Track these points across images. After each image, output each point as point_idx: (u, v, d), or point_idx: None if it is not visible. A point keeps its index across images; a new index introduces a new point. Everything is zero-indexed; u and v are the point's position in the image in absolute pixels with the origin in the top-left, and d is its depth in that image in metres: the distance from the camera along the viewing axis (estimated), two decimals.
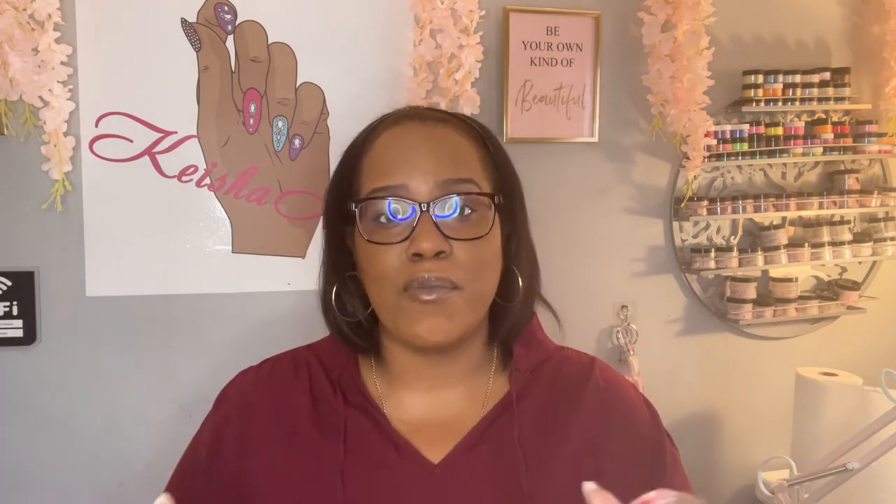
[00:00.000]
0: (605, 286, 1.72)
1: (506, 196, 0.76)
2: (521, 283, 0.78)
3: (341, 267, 0.78)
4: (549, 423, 0.76)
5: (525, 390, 0.78)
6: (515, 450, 0.73)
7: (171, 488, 0.82)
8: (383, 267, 0.70)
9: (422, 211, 0.69)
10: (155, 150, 1.41)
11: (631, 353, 1.70)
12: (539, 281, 0.82)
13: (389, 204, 0.70)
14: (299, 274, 1.49)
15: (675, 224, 1.75)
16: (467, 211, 0.71)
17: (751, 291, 1.76)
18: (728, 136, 1.71)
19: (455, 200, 0.70)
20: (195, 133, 1.43)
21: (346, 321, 0.78)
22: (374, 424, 0.75)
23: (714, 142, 1.67)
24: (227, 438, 0.78)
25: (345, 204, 0.75)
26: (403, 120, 0.76)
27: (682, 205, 1.73)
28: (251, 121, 1.45)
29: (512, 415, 0.76)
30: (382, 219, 0.71)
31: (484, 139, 0.77)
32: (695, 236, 1.78)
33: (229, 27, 1.43)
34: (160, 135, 1.41)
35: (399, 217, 0.70)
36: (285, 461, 0.74)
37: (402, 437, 0.74)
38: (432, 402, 0.77)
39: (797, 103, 1.74)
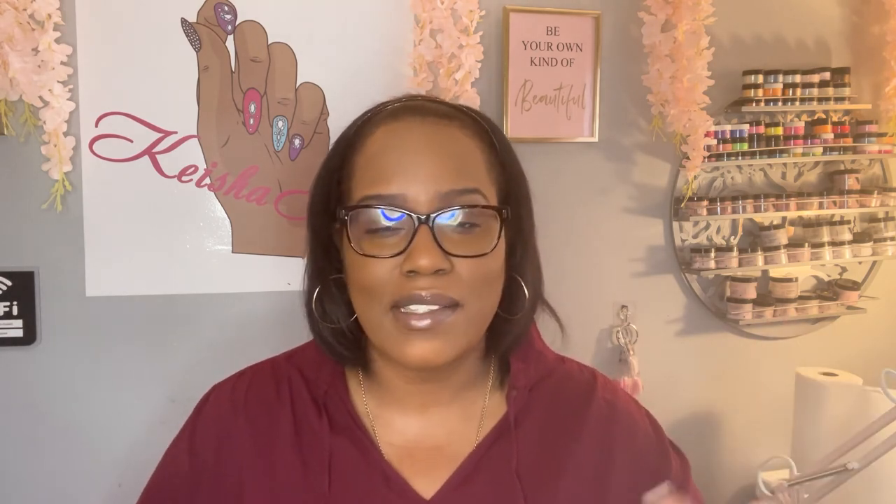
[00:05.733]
0: (605, 286, 1.72)
1: (512, 201, 0.70)
2: (526, 295, 0.71)
3: (325, 269, 0.72)
4: (549, 448, 0.71)
5: (524, 411, 0.72)
6: (513, 481, 0.68)
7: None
8: (373, 280, 0.64)
9: (420, 223, 0.62)
10: (155, 150, 1.41)
11: (631, 353, 1.70)
12: (542, 290, 0.75)
13: (384, 213, 0.63)
14: (299, 274, 1.48)
15: (675, 224, 1.75)
16: (470, 224, 0.64)
17: (751, 291, 1.76)
18: (728, 136, 1.71)
19: (459, 213, 0.63)
20: (195, 133, 1.43)
21: (329, 328, 0.71)
22: (361, 452, 0.69)
23: (714, 142, 1.67)
24: (204, 469, 0.72)
25: (332, 201, 0.69)
26: (402, 114, 0.68)
27: (682, 205, 1.73)
28: (251, 121, 1.45)
29: (510, 440, 0.70)
30: (375, 227, 0.64)
31: (491, 137, 0.71)
32: (695, 236, 1.78)
33: (229, 27, 1.43)
34: (160, 135, 1.41)
35: (394, 228, 0.64)
36: (266, 495, 0.68)
37: (391, 468, 0.68)
38: (425, 423, 0.71)
39: (797, 103, 1.74)
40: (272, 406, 0.72)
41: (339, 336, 0.72)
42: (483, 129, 0.71)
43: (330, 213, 0.70)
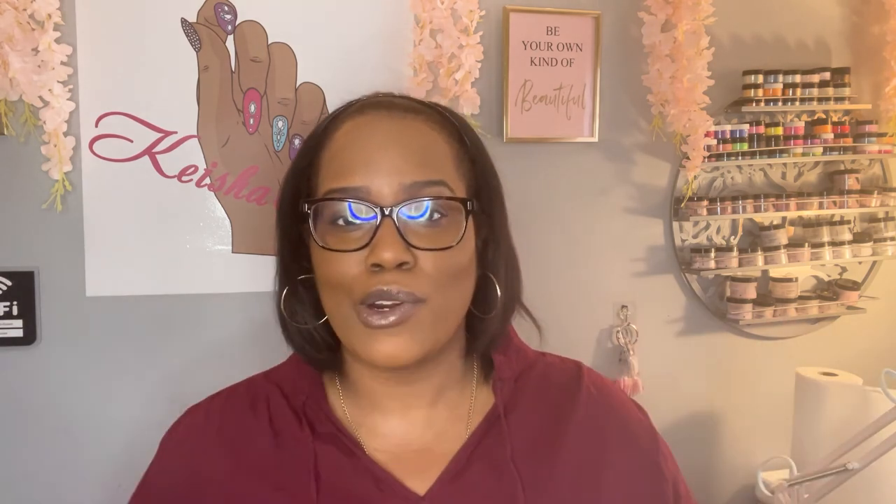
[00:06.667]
0: (605, 286, 1.72)
1: (483, 197, 0.69)
2: (498, 293, 0.69)
3: (295, 270, 0.70)
4: (542, 436, 0.70)
5: (512, 402, 0.71)
6: (510, 470, 0.66)
7: None
8: (338, 276, 0.62)
9: (384, 216, 0.61)
10: (155, 150, 1.41)
11: (631, 353, 1.70)
12: (520, 288, 0.74)
13: (349, 206, 0.62)
14: None
15: (675, 224, 1.75)
16: (436, 216, 0.63)
17: (751, 291, 1.76)
18: (728, 136, 1.71)
19: (425, 205, 0.62)
20: (195, 133, 1.43)
21: (298, 329, 0.70)
22: (347, 456, 0.67)
23: (714, 142, 1.67)
24: (177, 497, 0.69)
25: (301, 199, 0.67)
26: (368, 109, 0.67)
27: (682, 205, 1.73)
28: (251, 121, 1.45)
29: (501, 430, 0.69)
30: (340, 221, 0.63)
31: (460, 132, 0.69)
32: (695, 236, 1.78)
33: (229, 27, 1.43)
34: (160, 135, 1.41)
35: (358, 221, 0.63)
36: None
37: (381, 468, 0.66)
38: (409, 425, 0.70)
39: (797, 103, 1.74)
40: (247, 422, 0.70)
41: (309, 338, 0.70)
42: (451, 123, 0.69)
43: (298, 212, 0.68)
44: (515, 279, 0.73)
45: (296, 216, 0.69)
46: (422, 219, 0.63)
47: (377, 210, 0.61)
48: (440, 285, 0.63)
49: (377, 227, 0.61)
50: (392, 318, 0.61)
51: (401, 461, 0.68)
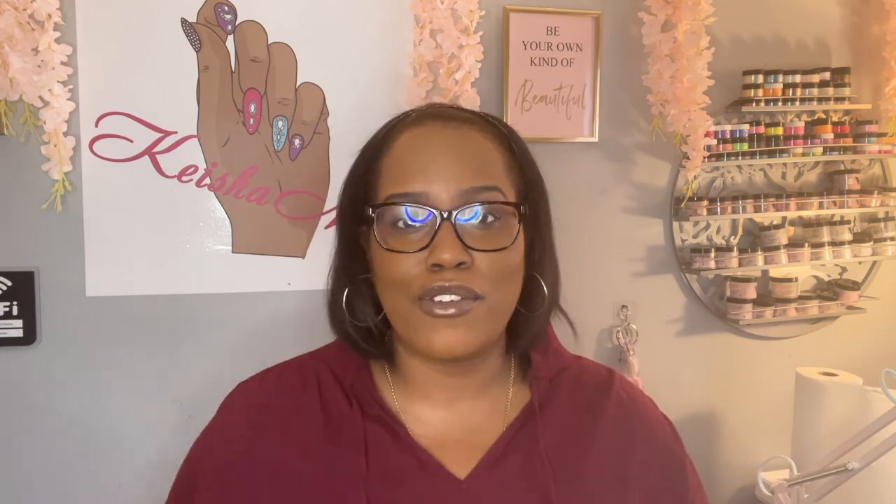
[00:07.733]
0: (605, 286, 1.72)
1: (530, 202, 0.74)
2: (545, 292, 0.76)
3: (353, 269, 0.75)
4: (573, 431, 0.75)
5: (546, 399, 0.76)
6: (542, 460, 0.71)
7: None
8: (400, 274, 0.68)
9: (442, 219, 0.66)
10: (155, 150, 1.41)
11: (631, 353, 1.70)
12: (560, 289, 0.80)
13: (408, 210, 0.68)
14: (299, 274, 1.49)
15: (675, 224, 1.75)
16: (490, 219, 0.68)
17: (751, 291, 1.76)
18: (728, 136, 1.72)
19: (477, 209, 0.68)
20: (195, 133, 1.43)
21: (354, 325, 0.75)
22: (394, 438, 0.72)
23: (714, 142, 1.68)
24: (236, 458, 0.73)
25: (359, 204, 0.72)
26: (425, 120, 0.73)
27: (682, 205, 1.73)
28: (251, 121, 1.45)
29: (536, 424, 0.74)
30: (401, 224, 0.68)
31: (510, 141, 0.74)
32: (695, 236, 1.78)
33: (229, 27, 1.43)
34: (160, 135, 1.41)
35: (418, 224, 0.68)
36: (300, 479, 0.70)
37: (425, 452, 0.71)
38: (452, 415, 0.75)
39: (797, 103, 1.74)
40: (299, 395, 0.75)
41: (364, 333, 0.75)
42: (502, 133, 0.75)
43: (357, 216, 0.73)
44: (557, 280, 0.79)
45: (354, 219, 0.74)
46: (477, 222, 0.68)
47: (437, 213, 0.67)
48: (495, 283, 0.68)
49: (436, 230, 0.67)
50: (452, 310, 0.66)
51: (443, 448, 0.72)
